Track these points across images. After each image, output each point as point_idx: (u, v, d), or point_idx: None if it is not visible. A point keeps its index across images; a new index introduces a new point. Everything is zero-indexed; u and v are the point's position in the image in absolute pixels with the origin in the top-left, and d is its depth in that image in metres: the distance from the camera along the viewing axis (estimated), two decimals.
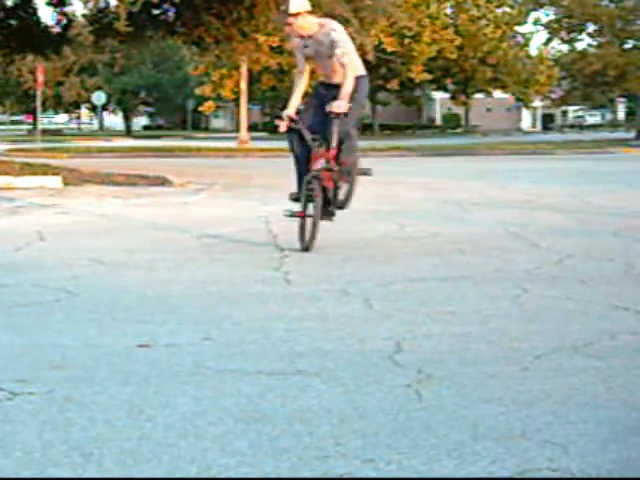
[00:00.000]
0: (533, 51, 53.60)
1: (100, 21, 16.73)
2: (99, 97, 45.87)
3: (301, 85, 7.24)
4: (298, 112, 7.10)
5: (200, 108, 53.01)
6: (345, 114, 6.75)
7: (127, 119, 66.28)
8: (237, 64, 33.28)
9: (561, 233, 8.03)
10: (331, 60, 6.96)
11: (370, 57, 16.25)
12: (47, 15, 49.87)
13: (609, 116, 72.44)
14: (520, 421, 3.05)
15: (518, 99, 56.79)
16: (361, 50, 13.34)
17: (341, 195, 7.09)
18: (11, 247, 7.12)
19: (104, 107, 56.61)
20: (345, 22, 15.52)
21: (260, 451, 2.79)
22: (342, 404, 3.23)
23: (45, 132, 43.18)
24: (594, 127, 65.24)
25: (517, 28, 52.07)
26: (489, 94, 56.76)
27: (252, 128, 47.30)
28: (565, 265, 6.31)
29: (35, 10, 18.09)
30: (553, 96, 49.35)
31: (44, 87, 33.88)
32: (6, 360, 3.82)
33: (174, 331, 4.34)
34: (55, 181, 13.77)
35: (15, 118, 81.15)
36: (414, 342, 4.11)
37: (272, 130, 63.11)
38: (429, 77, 48.46)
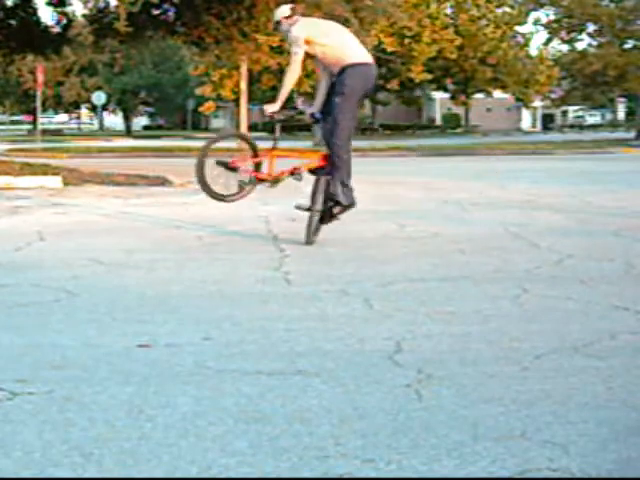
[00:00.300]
0: (533, 51, 53.63)
1: (100, 21, 16.74)
2: (99, 97, 45.87)
3: (323, 83, 7.47)
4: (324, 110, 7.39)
5: (200, 109, 52.98)
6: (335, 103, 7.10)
7: (127, 119, 66.27)
8: (237, 64, 33.23)
9: (561, 233, 8.02)
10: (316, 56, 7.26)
11: None
12: (47, 15, 49.86)
13: (609, 116, 72.44)
14: (520, 421, 3.05)
15: (518, 99, 56.77)
16: None
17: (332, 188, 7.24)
18: (11, 247, 7.12)
19: (104, 107, 56.63)
20: (345, 22, 15.51)
21: (260, 451, 2.79)
22: (342, 404, 3.23)
23: (45, 132, 43.19)
24: (594, 127, 65.26)
25: (517, 28, 52.09)
26: (489, 94, 56.74)
27: (252, 128, 47.27)
28: (565, 265, 6.31)
29: (35, 10, 18.10)
30: (553, 96, 49.36)
31: (44, 87, 33.89)
32: (6, 360, 3.82)
33: (174, 331, 4.34)
34: (55, 181, 13.77)
35: (15, 118, 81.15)
36: (414, 342, 4.11)
37: (271, 130, 63.17)
38: (429, 77, 48.43)
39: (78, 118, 77.96)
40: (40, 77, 28.59)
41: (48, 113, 73.43)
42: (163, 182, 14.44)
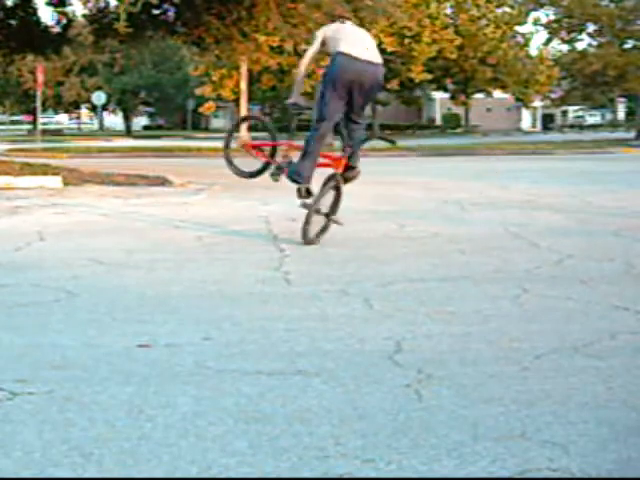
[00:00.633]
0: (533, 51, 53.62)
1: (100, 21, 16.75)
2: (99, 97, 45.87)
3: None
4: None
5: (200, 109, 52.98)
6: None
7: (127, 119, 66.26)
8: (237, 64, 33.26)
9: (561, 233, 8.03)
10: None
11: None
12: (47, 15, 49.94)
13: (609, 116, 72.39)
14: (520, 421, 3.05)
15: (518, 99, 56.74)
16: None
17: None
18: (11, 247, 7.12)
19: (104, 107, 56.61)
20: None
21: (260, 451, 2.79)
22: (342, 404, 3.23)
23: (45, 132, 43.19)
24: (594, 127, 65.22)
25: (517, 28, 52.05)
26: (489, 94, 56.73)
27: (252, 128, 47.26)
28: (565, 265, 6.31)
29: (35, 10, 18.10)
30: (553, 96, 49.33)
31: (44, 87, 33.90)
32: (6, 360, 3.82)
33: (174, 331, 4.34)
34: (55, 181, 13.77)
35: (15, 118, 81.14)
36: (414, 342, 4.11)
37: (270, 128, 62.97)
38: (429, 77, 48.43)
39: (78, 118, 77.97)
40: (40, 77, 28.59)
41: (48, 113, 73.43)
42: (163, 182, 14.44)
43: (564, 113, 75.99)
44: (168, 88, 62.33)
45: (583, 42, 67.32)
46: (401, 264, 6.36)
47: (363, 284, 5.54)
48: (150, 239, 7.65)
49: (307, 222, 7.19)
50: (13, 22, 17.88)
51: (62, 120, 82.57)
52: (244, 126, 7.84)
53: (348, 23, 7.73)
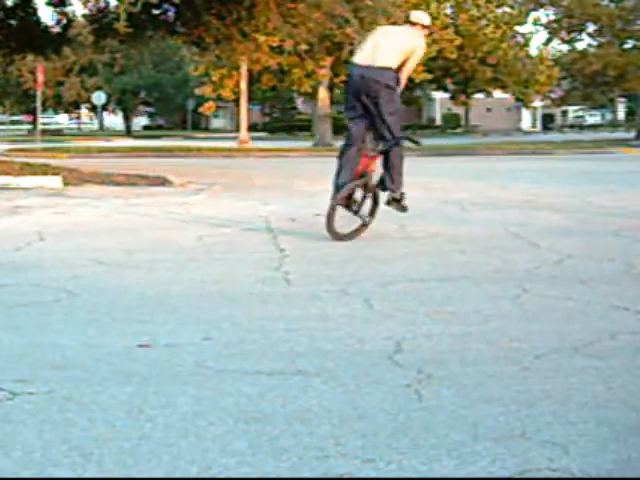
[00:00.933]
0: (533, 51, 53.59)
1: (100, 21, 16.76)
2: (99, 97, 45.85)
3: None
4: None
5: (200, 109, 52.98)
6: None
7: (127, 119, 66.27)
8: (237, 64, 33.24)
9: (561, 233, 8.03)
10: None
11: None
12: (47, 15, 49.96)
13: (609, 116, 72.41)
14: (520, 421, 3.05)
15: (518, 99, 56.75)
16: None
17: None
18: (11, 247, 7.12)
19: (104, 107, 56.59)
20: (345, 22, 15.53)
21: (260, 451, 2.79)
22: (342, 404, 3.23)
23: (45, 132, 43.19)
24: (594, 127, 65.24)
25: (517, 28, 52.02)
26: (489, 94, 56.72)
27: (252, 128, 47.30)
28: (565, 265, 6.31)
29: (35, 10, 18.12)
30: (553, 96, 49.36)
31: (44, 87, 33.88)
32: (6, 360, 3.82)
33: (174, 331, 4.34)
34: (55, 181, 13.77)
35: (15, 118, 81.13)
36: (414, 342, 4.11)
37: (272, 130, 63.25)
38: (429, 77, 48.38)
39: (78, 118, 77.95)
40: (40, 77, 28.58)
41: (48, 113, 73.43)
42: (163, 182, 14.44)
43: (564, 113, 76.00)
44: (168, 88, 62.32)
45: (583, 42, 67.15)
46: (401, 264, 6.36)
47: (363, 284, 5.54)
48: (150, 239, 7.65)
49: (330, 215, 7.24)
50: (13, 22, 17.90)
51: (62, 120, 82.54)
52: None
53: (389, 26, 7.82)
